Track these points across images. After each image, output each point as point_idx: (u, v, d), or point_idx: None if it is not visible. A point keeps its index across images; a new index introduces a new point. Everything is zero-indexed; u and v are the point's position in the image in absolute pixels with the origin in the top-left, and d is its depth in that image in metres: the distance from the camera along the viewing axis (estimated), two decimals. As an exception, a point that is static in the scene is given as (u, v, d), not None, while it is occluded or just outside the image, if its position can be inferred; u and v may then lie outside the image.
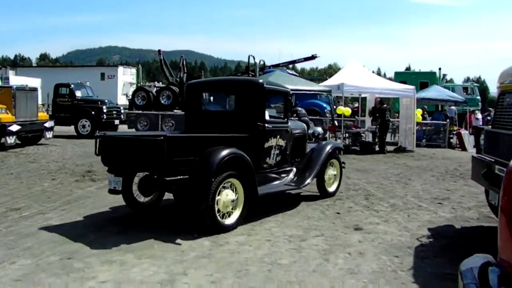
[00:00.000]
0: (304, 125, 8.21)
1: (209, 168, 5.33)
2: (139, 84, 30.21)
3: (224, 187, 5.58)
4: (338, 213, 6.76)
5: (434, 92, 22.06)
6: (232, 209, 5.71)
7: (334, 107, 17.41)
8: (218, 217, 5.50)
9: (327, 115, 22.34)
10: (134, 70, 36.85)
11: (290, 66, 29.25)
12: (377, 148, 16.65)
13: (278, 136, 6.88)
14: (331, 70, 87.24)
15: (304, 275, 4.21)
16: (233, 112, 6.98)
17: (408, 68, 76.01)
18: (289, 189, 7.21)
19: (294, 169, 7.39)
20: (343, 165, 8.36)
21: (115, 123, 20.68)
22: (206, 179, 5.30)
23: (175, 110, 23.50)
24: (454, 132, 20.35)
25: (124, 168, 5.93)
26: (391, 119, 17.82)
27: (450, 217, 6.66)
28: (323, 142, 8.20)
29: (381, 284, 4.05)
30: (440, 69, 32.00)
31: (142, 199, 6.46)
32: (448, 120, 20.75)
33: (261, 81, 6.85)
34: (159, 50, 24.93)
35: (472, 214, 6.87)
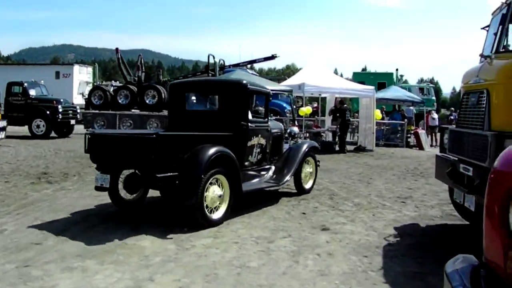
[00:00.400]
0: (281, 125, 8.36)
1: (199, 165, 5.53)
2: (95, 83, 29.43)
3: (211, 183, 5.76)
4: (304, 213, 6.71)
5: (393, 92, 22.52)
6: (219, 204, 5.90)
7: (295, 107, 17.43)
8: (207, 212, 5.69)
9: (288, 115, 22.41)
10: (90, 69, 35.90)
11: (249, 66, 29.12)
12: (337, 148, 16.81)
13: (260, 135, 7.15)
14: (289, 71, 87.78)
15: (274, 278, 4.11)
16: (217, 112, 7.28)
17: (364, 69, 77.36)
18: (270, 186, 7.38)
19: (273, 167, 7.66)
20: (318, 163, 8.62)
21: (71, 123, 20.01)
22: (196, 176, 5.50)
23: (133, 110, 23.03)
24: (412, 132, 20.79)
25: (114, 166, 6.09)
26: (351, 119, 18.04)
27: (414, 216, 6.72)
28: (299, 141, 8.53)
29: (352, 285, 3.99)
30: (397, 70, 32.84)
31: (127, 196, 6.54)
32: (405, 120, 21.19)
33: (244, 82, 7.10)
34: (116, 49, 24.36)
35: (436, 212, 6.96)
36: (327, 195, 8.16)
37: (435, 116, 22.82)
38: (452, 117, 22.01)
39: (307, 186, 8.29)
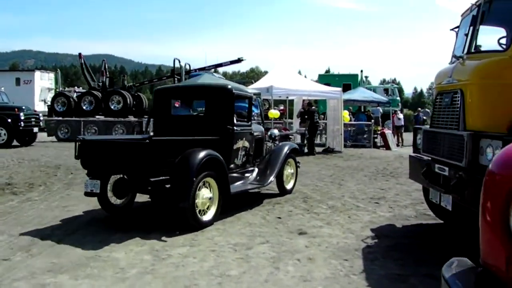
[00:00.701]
0: (262, 128, 8.53)
1: (191, 169, 5.68)
2: (58, 90, 28.70)
3: (201, 186, 5.91)
4: (279, 217, 6.63)
5: (360, 93, 22.78)
6: (208, 206, 6.07)
7: (264, 109, 17.33)
8: (198, 214, 5.84)
9: (255, 118, 22.34)
10: (52, 75, 35.00)
11: (213, 70, 28.98)
12: (306, 150, 16.84)
13: (244, 138, 7.37)
14: (253, 74, 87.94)
15: (256, 286, 4.01)
16: (203, 117, 7.50)
17: (328, 71, 78.10)
18: (255, 187, 7.58)
19: (256, 169, 7.87)
20: (298, 164, 8.88)
21: (34, 131, 19.38)
22: (189, 179, 5.65)
23: (97, 116, 22.58)
24: (379, 132, 21.07)
25: (106, 171, 6.17)
26: (319, 121, 18.12)
27: (390, 216, 6.74)
28: (280, 144, 8.77)
29: (336, 290, 3.93)
30: (362, 71, 33.19)
31: (115, 202, 6.61)
32: (372, 120, 21.46)
33: (229, 86, 7.36)
34: (79, 54, 23.86)
35: (410, 212, 7.00)
36: (300, 198, 8.12)
37: (401, 116, 23.20)
38: (424, 116, 22.33)
39: (289, 186, 8.54)
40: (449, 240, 5.61)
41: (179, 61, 23.74)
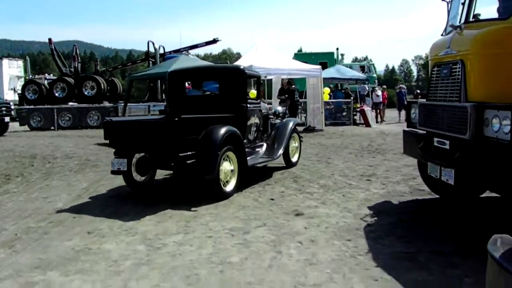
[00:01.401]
0: (267, 105, 8.81)
1: (215, 143, 6.21)
2: (28, 77, 27.74)
3: (223, 159, 6.39)
4: (272, 199, 6.45)
5: (338, 71, 22.62)
6: (229, 178, 6.56)
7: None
8: (222, 185, 6.36)
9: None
10: (21, 63, 33.76)
11: (191, 51, 28.42)
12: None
13: (255, 115, 7.84)
14: (225, 55, 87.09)
15: (261, 273, 3.82)
16: (217, 96, 8.23)
17: (300, 50, 77.46)
18: (266, 160, 8.08)
19: (265, 144, 8.34)
20: (301, 138, 9.59)
21: (5, 121, 18.65)
22: (214, 153, 6.17)
23: (70, 103, 21.94)
24: (358, 109, 21.02)
25: (134, 150, 6.67)
26: (299, 100, 17.92)
27: (384, 193, 6.62)
28: (285, 120, 9.13)
29: (345, 272, 3.77)
30: (337, 49, 33.07)
31: (138, 178, 7.04)
32: (352, 97, 21.39)
33: (242, 67, 7.82)
34: (49, 39, 23.04)
35: (403, 188, 6.89)
36: (290, 178, 7.95)
37: (379, 93, 23.18)
38: (402, 94, 22.32)
39: (294, 159, 9.17)
40: (449, 215, 5.51)
41: (153, 44, 23.15)
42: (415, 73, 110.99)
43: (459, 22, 4.97)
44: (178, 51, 24.11)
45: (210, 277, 3.77)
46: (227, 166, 6.49)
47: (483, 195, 6.15)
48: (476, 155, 4.24)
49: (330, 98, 21.65)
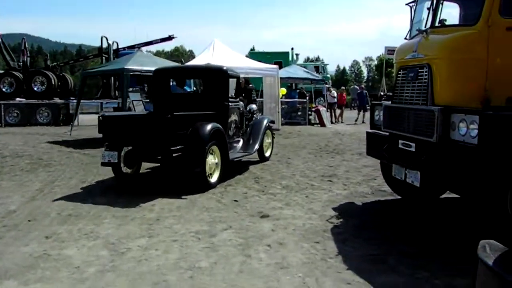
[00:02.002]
0: (242, 103, 9.35)
1: (202, 138, 6.78)
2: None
3: (208, 154, 6.91)
4: (236, 200, 6.36)
5: (294, 71, 22.74)
6: (213, 171, 7.11)
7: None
8: (207, 177, 6.91)
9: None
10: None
11: (145, 48, 27.88)
12: (245, 129, 16.59)
13: (235, 113, 8.46)
14: (178, 53, 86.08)
15: (232, 278, 3.73)
16: (201, 94, 9.17)
17: (253, 49, 77.46)
18: (244, 155, 8.61)
19: (241, 139, 8.90)
20: (273, 135, 10.29)
21: None
22: (202, 147, 6.74)
23: (18, 99, 21.02)
24: (313, 109, 21.20)
25: (125, 143, 7.09)
26: (257, 99, 17.89)
27: (347, 194, 6.67)
28: (259, 117, 9.79)
29: (318, 276, 3.73)
30: (292, 49, 33.20)
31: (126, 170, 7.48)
32: (307, 97, 21.56)
33: (225, 68, 8.42)
34: (-4, 32, 21.94)
35: (365, 189, 6.97)
36: (251, 178, 7.89)
37: (334, 93, 23.47)
38: (364, 94, 22.46)
39: (267, 154, 9.87)
40: (412, 216, 5.61)
41: (107, 39, 22.54)
42: (365, 74, 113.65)
43: (425, 27, 5.05)
44: (132, 47, 23.61)
45: (180, 283, 3.65)
46: (212, 159, 7.06)
47: (443, 196, 6.30)
48: (442, 157, 4.32)
49: (282, 98, 21.72)
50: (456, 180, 4.28)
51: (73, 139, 14.04)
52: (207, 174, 6.87)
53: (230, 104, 8.04)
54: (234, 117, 8.40)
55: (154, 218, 5.46)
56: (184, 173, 7.03)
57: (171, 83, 9.08)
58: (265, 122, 9.45)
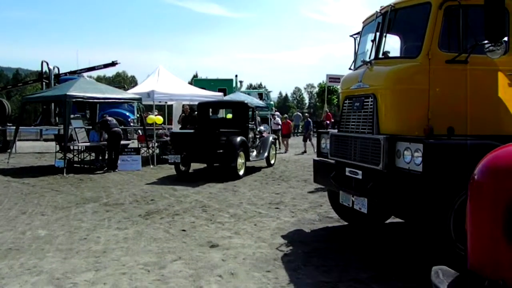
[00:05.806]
0: (254, 126, 13.53)
1: (235, 146, 11.22)
2: None
3: (238, 156, 11.27)
4: (184, 230, 6.26)
5: (239, 98, 22.85)
6: (240, 167, 11.44)
7: (145, 115, 16.52)
8: (237, 170, 11.32)
9: (131, 124, 21.38)
10: None
11: (87, 73, 27.20)
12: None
13: (252, 131, 12.90)
14: (120, 78, 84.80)
15: (185, 311, 3.64)
16: (231, 119, 13.42)
17: (195, 76, 77.45)
18: (258, 159, 13.15)
19: (255, 150, 13.14)
20: (276, 148, 15.61)
21: None
22: (235, 151, 11.18)
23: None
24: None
25: (188, 150, 11.40)
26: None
27: (295, 221, 6.71)
28: (266, 136, 14.11)
29: (272, 307, 3.71)
30: (236, 76, 33.48)
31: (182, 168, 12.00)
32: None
33: (247, 101, 13.97)
34: None
35: (312, 216, 7.04)
36: (198, 207, 7.79)
37: (278, 121, 23.73)
38: (307, 123, 22.66)
39: (272, 161, 14.26)
40: (360, 241, 5.71)
41: (47, 64, 21.83)
42: (307, 100, 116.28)
43: (369, 58, 5.26)
44: (74, 72, 23.00)
45: (130, 319, 3.51)
46: (240, 160, 11.37)
47: (388, 221, 6.48)
48: (389, 184, 4.46)
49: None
50: (402, 206, 4.43)
51: (10, 167, 13.41)
52: (237, 168, 11.17)
53: (249, 125, 12.50)
54: (251, 134, 12.82)
55: (101, 250, 5.27)
56: (224, 167, 11.31)
57: (210, 112, 13.95)
58: (270, 138, 14.14)
